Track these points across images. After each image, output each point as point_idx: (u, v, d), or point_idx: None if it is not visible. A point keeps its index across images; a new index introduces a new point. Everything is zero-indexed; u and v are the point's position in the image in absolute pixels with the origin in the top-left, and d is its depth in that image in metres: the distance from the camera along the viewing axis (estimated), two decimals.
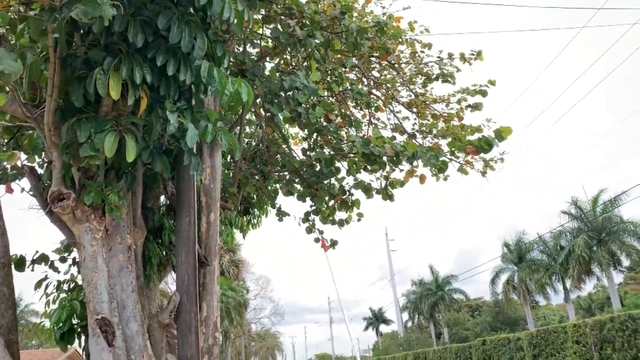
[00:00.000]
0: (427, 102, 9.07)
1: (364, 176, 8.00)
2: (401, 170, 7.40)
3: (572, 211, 35.51)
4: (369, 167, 7.53)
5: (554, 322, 43.41)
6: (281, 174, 8.36)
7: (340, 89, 8.35)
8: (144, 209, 5.30)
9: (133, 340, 4.42)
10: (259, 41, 7.67)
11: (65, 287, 5.53)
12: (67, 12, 3.47)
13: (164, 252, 5.91)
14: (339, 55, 8.25)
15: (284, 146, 8.64)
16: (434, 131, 8.75)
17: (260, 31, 7.59)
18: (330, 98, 8.65)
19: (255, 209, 9.64)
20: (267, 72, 6.99)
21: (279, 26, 6.78)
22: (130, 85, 3.96)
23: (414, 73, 9.08)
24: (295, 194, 8.20)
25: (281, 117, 7.44)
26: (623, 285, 52.95)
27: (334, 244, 9.15)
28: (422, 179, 7.51)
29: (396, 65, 9.03)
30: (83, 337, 4.88)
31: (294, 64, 8.10)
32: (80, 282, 5.38)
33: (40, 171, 5.32)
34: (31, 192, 5.10)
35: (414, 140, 8.46)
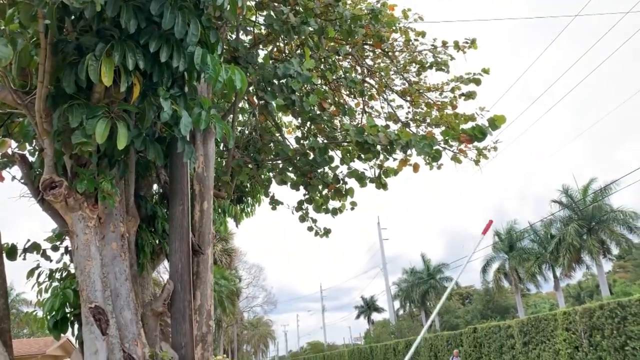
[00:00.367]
0: (421, 91, 9.05)
1: (357, 165, 7.99)
2: (395, 159, 7.41)
3: (563, 200, 35.79)
4: (362, 155, 7.51)
5: (544, 309, 43.88)
6: (275, 162, 8.32)
7: (334, 77, 8.30)
8: (137, 197, 5.26)
9: (127, 328, 4.40)
10: (252, 28, 7.60)
11: (57, 275, 5.49)
12: None
13: (157, 241, 5.88)
14: (332, 43, 8.20)
15: (277, 134, 8.59)
16: (428, 120, 8.74)
17: (253, 18, 7.52)
18: (324, 86, 8.60)
19: (249, 198, 9.62)
20: (260, 60, 6.93)
21: (272, 13, 6.71)
22: (122, 72, 3.92)
23: (407, 61, 9.05)
24: (289, 183, 8.17)
25: (275, 105, 7.39)
26: (612, 273, 53.59)
27: (327, 232, 9.15)
28: (416, 167, 7.52)
29: (390, 54, 8.99)
30: (76, 326, 4.85)
31: (287, 51, 8.04)
32: (73, 271, 5.34)
33: (31, 159, 5.26)
34: (22, 180, 5.05)
35: (407, 129, 8.44)
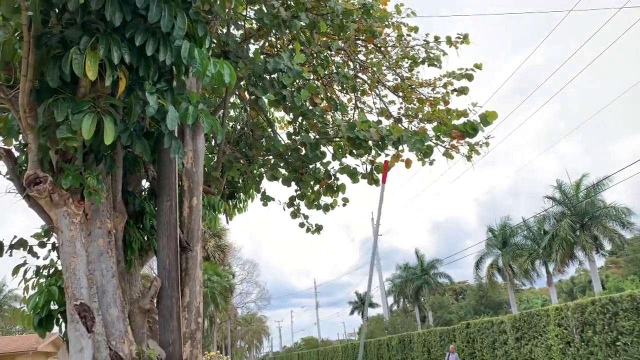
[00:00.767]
0: (413, 86, 9.00)
1: (349, 160, 7.95)
2: (387, 155, 7.37)
3: (557, 196, 35.92)
4: (354, 151, 7.47)
5: (537, 305, 44.07)
6: (266, 158, 8.27)
7: (326, 72, 8.24)
8: (124, 193, 5.19)
9: (113, 325, 4.35)
10: (242, 22, 7.52)
11: (45, 272, 5.42)
12: None
13: (145, 237, 5.81)
14: (324, 38, 8.13)
15: (269, 130, 8.53)
16: (420, 115, 8.70)
17: (244, 12, 7.44)
18: (316, 81, 8.54)
19: (241, 194, 9.56)
20: (251, 54, 6.86)
21: (263, 7, 6.64)
22: (108, 66, 3.84)
23: (400, 56, 8.99)
24: (280, 179, 8.12)
25: (266, 100, 7.33)
26: (604, 269, 53.91)
27: (319, 228, 9.11)
28: (408, 163, 7.49)
29: (382, 49, 8.93)
30: (63, 324, 4.79)
31: (279, 46, 7.97)
32: (60, 268, 5.28)
33: (17, 154, 5.18)
34: (8, 176, 4.97)
35: (399, 125, 8.40)
